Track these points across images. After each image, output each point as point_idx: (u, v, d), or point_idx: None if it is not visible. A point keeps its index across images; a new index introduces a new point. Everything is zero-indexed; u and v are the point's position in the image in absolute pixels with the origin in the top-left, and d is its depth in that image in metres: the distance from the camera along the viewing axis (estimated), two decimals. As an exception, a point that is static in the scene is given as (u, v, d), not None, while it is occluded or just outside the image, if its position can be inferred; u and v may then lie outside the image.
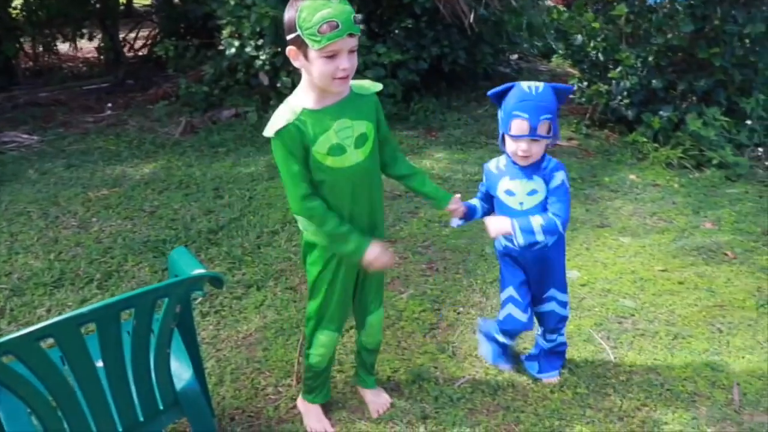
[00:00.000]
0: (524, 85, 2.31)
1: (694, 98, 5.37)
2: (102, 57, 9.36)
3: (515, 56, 8.15)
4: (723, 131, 5.10)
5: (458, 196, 2.49)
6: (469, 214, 2.58)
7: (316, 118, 2.05)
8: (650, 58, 5.35)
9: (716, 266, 3.64)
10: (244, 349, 3.04)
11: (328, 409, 2.64)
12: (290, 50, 2.00)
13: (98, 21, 9.08)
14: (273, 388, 2.80)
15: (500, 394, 2.71)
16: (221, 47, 6.41)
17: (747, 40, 5.17)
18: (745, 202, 4.46)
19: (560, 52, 7.15)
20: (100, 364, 1.74)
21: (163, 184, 4.95)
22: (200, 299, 3.35)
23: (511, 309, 2.61)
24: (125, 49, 9.42)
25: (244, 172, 5.13)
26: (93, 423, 1.81)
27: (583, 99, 5.89)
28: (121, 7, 9.52)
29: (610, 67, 5.57)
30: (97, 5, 8.82)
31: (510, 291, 2.61)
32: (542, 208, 2.39)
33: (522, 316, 2.59)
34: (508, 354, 2.86)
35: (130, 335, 1.76)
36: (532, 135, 2.28)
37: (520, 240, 2.36)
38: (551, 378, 2.79)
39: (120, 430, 1.86)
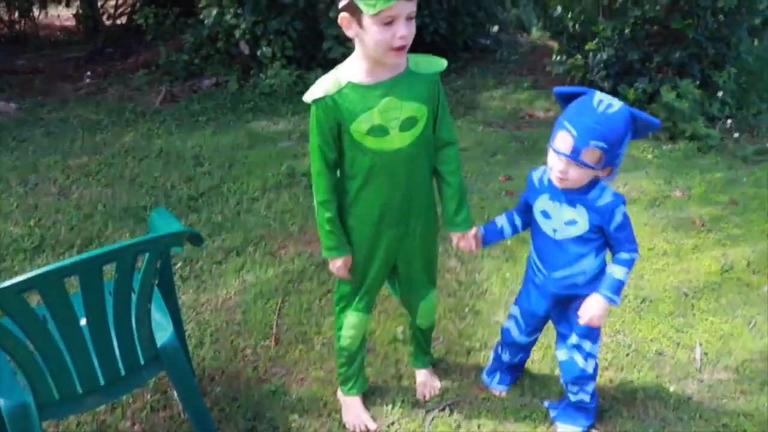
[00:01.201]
0: (597, 96, 1.94)
1: (669, 71, 5.44)
2: (80, 25, 9.26)
3: (495, 29, 8.16)
4: (696, 104, 5.19)
5: (472, 232, 2.23)
6: (488, 238, 2.29)
7: (362, 94, 1.92)
8: (627, 30, 5.42)
9: (685, 233, 3.74)
10: (223, 312, 3.11)
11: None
12: (342, 18, 1.86)
13: (76, -13, 8.97)
14: (252, 349, 2.87)
15: (473, 355, 2.80)
16: (201, 16, 6.38)
17: (720, 15, 5.24)
18: (715, 172, 4.57)
19: (539, 26, 7.21)
20: (83, 322, 1.80)
21: (143, 152, 4.96)
22: (180, 264, 3.41)
23: (511, 326, 2.42)
24: (104, 17, 9.30)
25: (224, 141, 5.15)
26: (76, 377, 1.87)
27: (561, 71, 5.94)
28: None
29: (588, 38, 5.62)
30: (75, -28, 8.70)
31: (515, 310, 2.40)
32: (580, 242, 2.08)
33: (520, 338, 2.41)
34: (507, 373, 2.61)
35: (112, 291, 1.81)
36: (573, 157, 1.91)
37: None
38: (566, 428, 2.39)
39: (102, 383, 1.92)
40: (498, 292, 3.23)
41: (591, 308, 2.09)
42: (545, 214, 2.12)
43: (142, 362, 2.00)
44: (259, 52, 6.25)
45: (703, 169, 4.63)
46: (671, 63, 5.35)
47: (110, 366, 1.91)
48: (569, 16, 5.72)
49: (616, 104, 1.92)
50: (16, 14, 9.23)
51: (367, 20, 1.79)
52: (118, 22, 9.17)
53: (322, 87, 1.92)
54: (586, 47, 5.54)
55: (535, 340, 2.49)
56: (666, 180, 4.44)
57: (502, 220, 2.29)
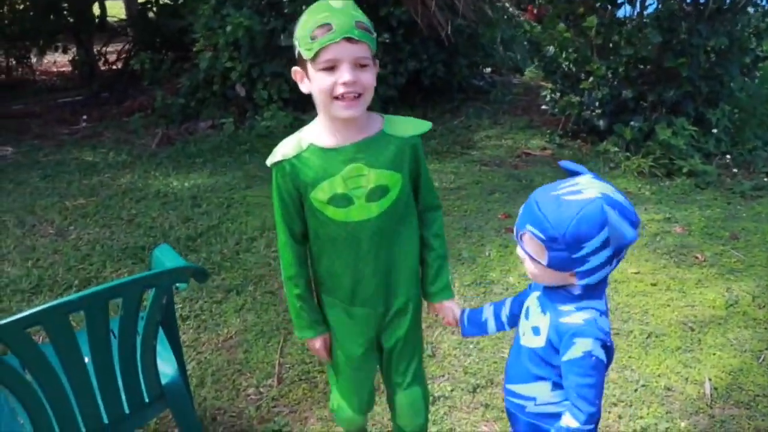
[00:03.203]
0: (577, 178, 1.51)
1: (663, 109, 5.50)
2: (76, 70, 9.34)
3: (489, 70, 8.27)
4: (692, 140, 5.24)
5: (450, 305, 1.93)
6: (468, 329, 1.89)
7: (324, 158, 1.70)
8: (620, 70, 5.49)
9: (687, 268, 3.73)
10: (224, 351, 3.06)
11: None
12: (295, 72, 1.70)
13: (72, 34, 9.07)
14: (254, 389, 2.81)
15: (479, 392, 2.75)
16: (197, 61, 6.45)
17: (712, 54, 5.33)
18: (714, 208, 4.57)
19: (533, 67, 7.33)
20: (87, 360, 1.76)
21: (141, 193, 4.95)
22: (180, 304, 3.36)
23: None
24: (100, 63, 9.40)
25: (222, 182, 5.15)
26: (80, 416, 1.81)
27: (556, 110, 6.00)
28: (96, 21, 9.50)
29: (582, 78, 5.69)
30: (71, 19, 8.80)
31: None
32: (536, 359, 1.61)
33: None
34: None
35: (118, 327, 1.78)
36: (517, 239, 1.58)
37: None
38: None
39: (106, 422, 1.87)
40: (502, 328, 3.19)
41: None
42: (527, 313, 1.69)
43: (147, 400, 1.95)
44: (255, 95, 6.30)
45: (702, 204, 4.63)
46: (665, 101, 5.41)
47: (114, 404, 1.86)
48: (563, 56, 5.80)
49: (587, 193, 1.44)
50: (13, 61, 9.34)
51: (311, 69, 1.62)
52: (114, 67, 9.26)
53: (282, 149, 1.73)
54: (581, 86, 5.61)
55: None
56: (665, 216, 4.44)
57: (488, 312, 1.87)
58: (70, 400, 1.76)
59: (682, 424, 2.56)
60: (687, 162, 5.08)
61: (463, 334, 1.89)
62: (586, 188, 1.45)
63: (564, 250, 1.44)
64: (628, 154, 5.40)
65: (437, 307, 1.94)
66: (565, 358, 1.50)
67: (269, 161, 1.75)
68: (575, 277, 1.49)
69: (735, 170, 5.19)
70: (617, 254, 1.47)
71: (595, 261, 1.45)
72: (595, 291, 1.53)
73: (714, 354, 2.98)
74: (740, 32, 5.26)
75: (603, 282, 1.54)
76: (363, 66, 1.61)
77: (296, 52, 1.65)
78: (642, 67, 5.56)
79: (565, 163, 1.58)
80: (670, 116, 5.37)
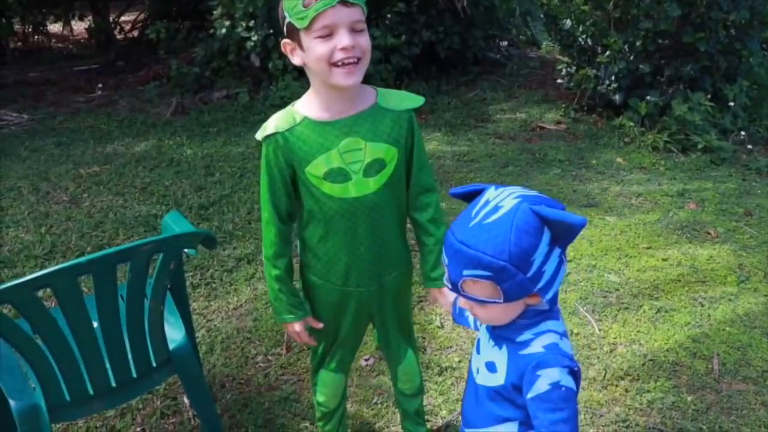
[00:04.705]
0: (485, 196, 1.33)
1: (680, 84, 5.43)
2: (92, 38, 9.34)
3: (505, 43, 8.18)
4: (708, 116, 5.17)
5: (444, 291, 1.81)
6: (456, 316, 1.73)
7: (320, 131, 1.65)
8: (638, 43, 5.41)
9: (699, 244, 3.71)
10: (234, 319, 3.09)
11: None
12: (284, 44, 1.64)
13: (89, 2, 9.06)
14: (263, 356, 2.84)
15: (486, 363, 2.76)
16: (212, 30, 6.42)
17: (732, 29, 5.24)
18: (729, 184, 4.53)
19: (550, 40, 7.23)
20: (95, 324, 1.78)
21: (154, 161, 4.97)
22: (191, 272, 3.39)
23: None
24: (116, 31, 9.39)
25: (235, 151, 5.16)
26: (88, 378, 1.84)
27: (572, 84, 5.94)
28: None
29: (599, 52, 5.62)
30: (88, -14, 8.80)
31: None
32: (498, 399, 1.41)
33: None
34: None
35: (126, 292, 1.80)
36: (457, 292, 1.36)
37: None
38: None
39: (114, 385, 1.90)
40: (511, 301, 3.19)
41: None
42: (478, 347, 1.50)
43: (154, 365, 1.98)
44: (270, 65, 6.27)
45: (717, 181, 4.59)
46: (682, 76, 5.33)
47: (122, 368, 1.89)
48: (580, 29, 5.72)
49: (505, 203, 1.28)
50: (30, 28, 9.35)
51: (305, 39, 1.56)
52: (130, 35, 9.26)
53: (273, 123, 1.68)
54: (598, 60, 5.54)
55: None
56: (679, 192, 4.40)
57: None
58: (78, 363, 1.78)
59: (689, 399, 2.56)
60: (702, 138, 5.02)
61: (454, 320, 1.76)
62: (501, 200, 1.29)
63: (516, 274, 1.26)
64: (643, 129, 5.35)
65: (437, 292, 1.87)
66: (530, 395, 1.30)
67: (260, 135, 1.70)
68: (539, 296, 1.31)
69: (751, 147, 5.14)
70: (564, 249, 1.34)
71: (549, 268, 1.30)
72: (550, 310, 1.38)
73: (723, 330, 2.97)
74: (762, 6, 5.15)
75: (556, 296, 1.38)
76: (359, 30, 1.57)
77: (285, 24, 1.60)
78: (660, 41, 5.47)
79: (455, 191, 1.42)
80: (686, 91, 5.30)
